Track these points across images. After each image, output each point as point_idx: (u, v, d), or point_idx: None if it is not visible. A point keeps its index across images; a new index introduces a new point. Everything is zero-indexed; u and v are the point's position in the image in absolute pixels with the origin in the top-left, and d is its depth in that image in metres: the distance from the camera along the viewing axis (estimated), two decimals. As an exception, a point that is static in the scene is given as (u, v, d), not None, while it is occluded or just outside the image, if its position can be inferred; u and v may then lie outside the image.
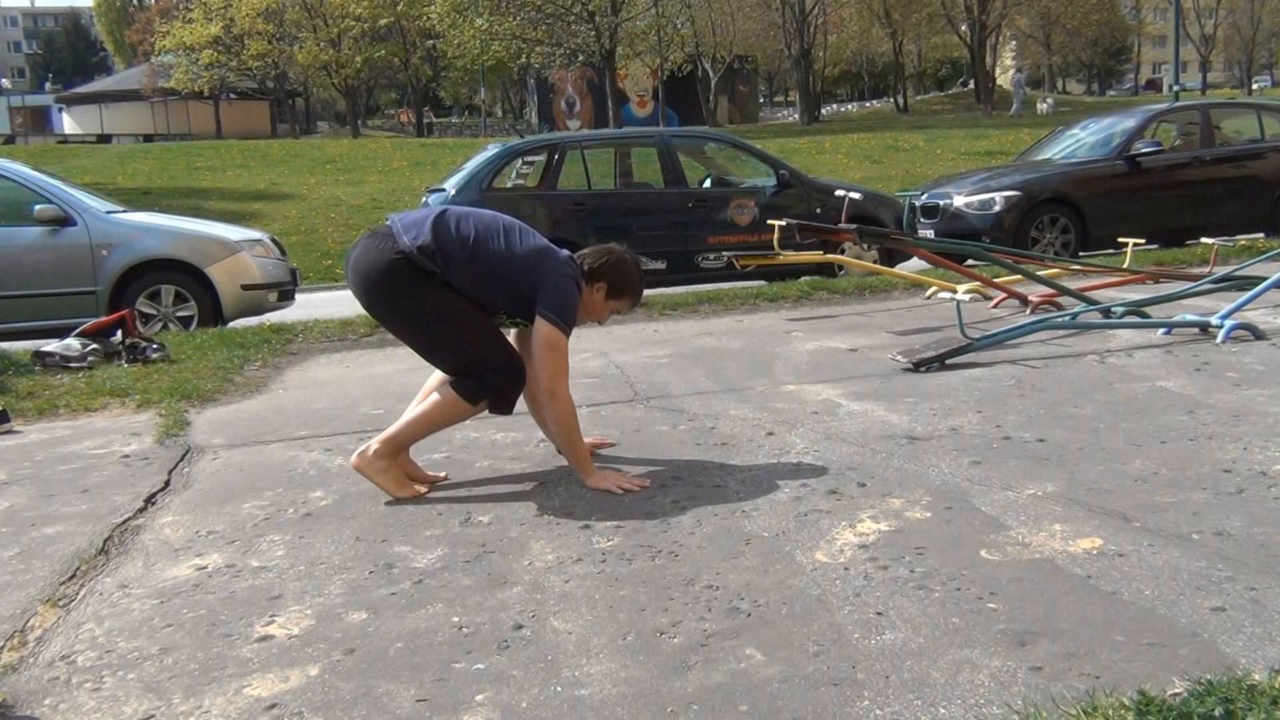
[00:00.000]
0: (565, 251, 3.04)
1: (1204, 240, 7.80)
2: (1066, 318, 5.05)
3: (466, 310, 2.93)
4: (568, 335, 2.92)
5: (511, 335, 3.17)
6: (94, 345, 5.49)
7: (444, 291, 2.89)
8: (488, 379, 2.97)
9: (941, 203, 9.64)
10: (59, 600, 2.37)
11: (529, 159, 8.98)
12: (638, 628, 2.06)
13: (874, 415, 3.62)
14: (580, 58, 36.38)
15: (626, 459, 3.23)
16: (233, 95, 44.47)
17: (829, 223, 6.77)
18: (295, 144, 32.72)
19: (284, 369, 5.28)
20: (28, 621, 2.26)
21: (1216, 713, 1.55)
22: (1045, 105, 38.93)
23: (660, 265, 8.50)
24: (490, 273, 2.92)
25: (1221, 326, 4.61)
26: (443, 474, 3.19)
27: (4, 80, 74.53)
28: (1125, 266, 6.72)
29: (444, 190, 8.40)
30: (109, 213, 7.59)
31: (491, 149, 8.91)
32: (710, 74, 40.61)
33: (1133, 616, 1.98)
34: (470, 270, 2.90)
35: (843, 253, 7.45)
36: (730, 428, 3.54)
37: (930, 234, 9.16)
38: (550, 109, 41.36)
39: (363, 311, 3.31)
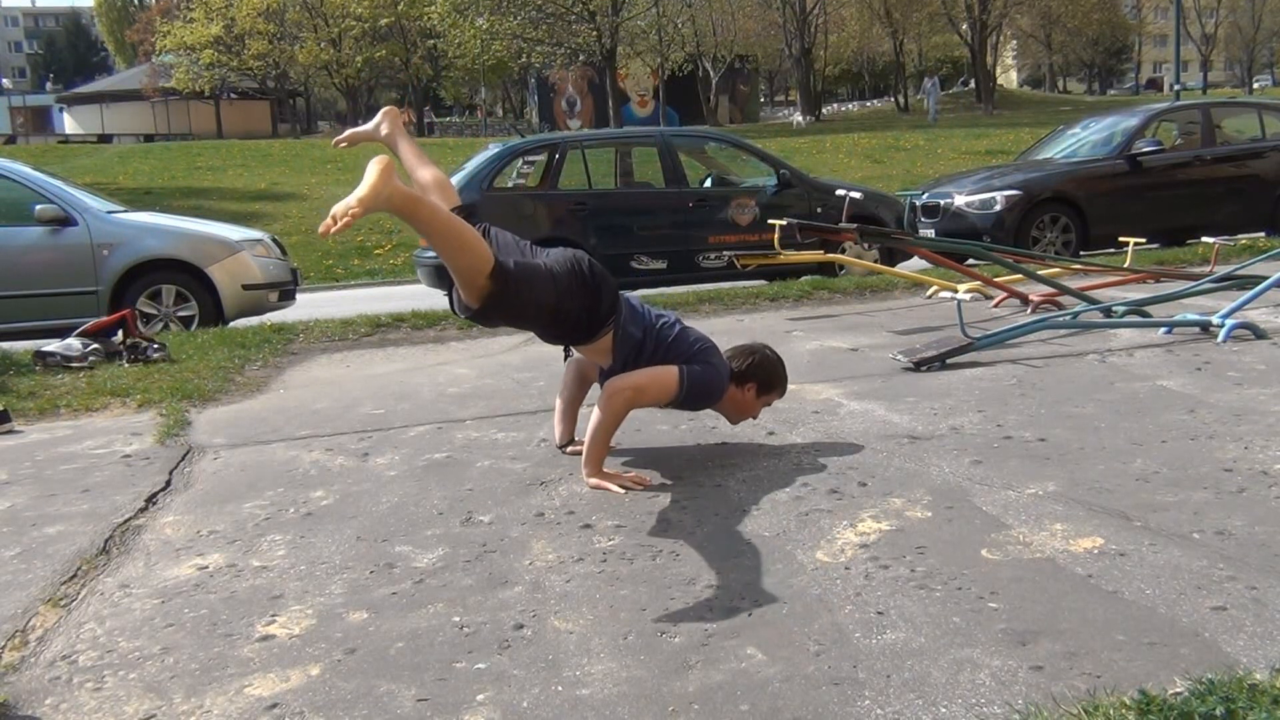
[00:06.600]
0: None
1: (1205, 239, 7.80)
2: (1067, 317, 5.05)
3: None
4: (675, 399, 3.02)
5: (571, 370, 3.33)
6: (95, 345, 5.49)
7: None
8: None
9: (942, 202, 9.64)
10: (60, 600, 2.37)
11: (529, 159, 8.99)
12: (639, 627, 2.06)
13: (875, 415, 3.62)
14: (581, 57, 36.42)
15: (627, 459, 3.23)
16: (233, 95, 44.50)
17: (829, 222, 6.77)
18: (296, 144, 32.72)
19: (285, 369, 5.28)
20: (29, 621, 2.26)
21: (1217, 712, 1.55)
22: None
23: (661, 265, 8.51)
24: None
25: (1222, 326, 4.60)
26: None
27: (4, 80, 74.53)
28: (1126, 266, 6.72)
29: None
30: (110, 212, 7.60)
31: (492, 149, 8.91)
32: (711, 73, 40.60)
33: (1134, 616, 1.98)
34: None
35: (843, 252, 7.45)
36: (731, 427, 3.54)
37: (931, 233, 9.15)
38: (551, 108, 41.36)
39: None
